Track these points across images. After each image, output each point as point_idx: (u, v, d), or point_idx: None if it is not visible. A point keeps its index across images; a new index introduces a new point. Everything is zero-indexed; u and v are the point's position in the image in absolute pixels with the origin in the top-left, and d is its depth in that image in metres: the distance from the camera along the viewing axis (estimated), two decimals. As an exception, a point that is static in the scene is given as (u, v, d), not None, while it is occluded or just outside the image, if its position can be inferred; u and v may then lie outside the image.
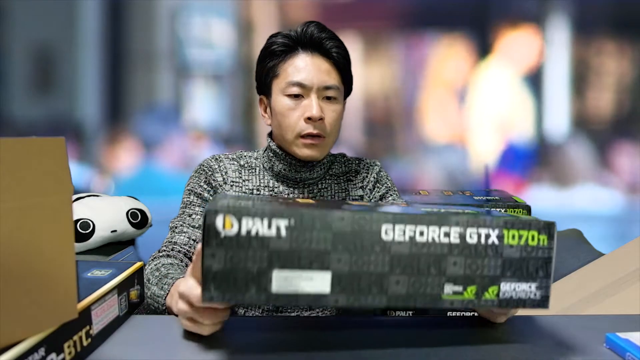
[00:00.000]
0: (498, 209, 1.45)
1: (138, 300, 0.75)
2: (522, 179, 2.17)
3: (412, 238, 0.56)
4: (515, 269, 0.59)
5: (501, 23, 2.11)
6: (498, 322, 0.71)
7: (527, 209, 1.46)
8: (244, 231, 0.53)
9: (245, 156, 1.07)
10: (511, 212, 1.45)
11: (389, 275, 0.56)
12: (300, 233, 0.53)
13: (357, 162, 1.11)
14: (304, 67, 0.96)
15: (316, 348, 0.63)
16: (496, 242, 0.58)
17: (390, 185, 1.11)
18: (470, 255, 0.58)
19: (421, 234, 0.56)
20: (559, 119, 2.17)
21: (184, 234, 0.98)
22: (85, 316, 0.59)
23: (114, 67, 2.07)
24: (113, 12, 2.05)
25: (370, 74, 2.14)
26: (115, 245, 1.58)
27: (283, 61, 0.98)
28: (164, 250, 0.96)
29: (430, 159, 2.17)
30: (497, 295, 0.59)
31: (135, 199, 1.68)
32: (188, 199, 1.02)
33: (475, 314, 0.74)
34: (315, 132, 0.96)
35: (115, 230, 1.53)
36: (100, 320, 0.62)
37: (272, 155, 1.04)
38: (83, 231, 1.46)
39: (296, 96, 0.96)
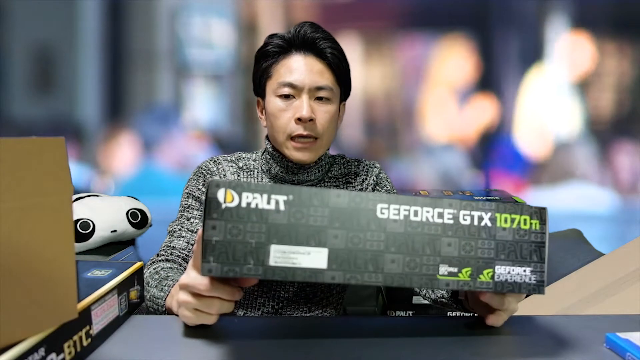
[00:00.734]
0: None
1: (138, 300, 0.75)
2: (522, 179, 2.17)
3: (406, 217, 0.58)
4: (509, 252, 0.60)
5: (501, 23, 2.11)
6: (496, 326, 0.68)
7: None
8: (244, 203, 0.55)
9: (243, 158, 1.07)
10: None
11: (385, 253, 0.57)
12: (298, 208, 0.56)
13: (356, 163, 1.10)
14: (296, 68, 0.95)
15: (316, 348, 0.63)
16: (489, 224, 0.60)
17: (390, 187, 1.11)
18: (464, 236, 0.59)
19: (415, 213, 0.58)
20: (559, 119, 2.17)
21: (182, 239, 0.98)
22: (85, 316, 0.59)
23: (114, 67, 2.07)
24: (113, 12, 2.05)
25: (370, 74, 2.14)
26: (115, 245, 1.58)
27: (276, 62, 0.97)
28: (163, 255, 0.95)
29: (430, 159, 2.17)
30: (492, 277, 0.60)
31: (135, 199, 1.68)
32: (186, 202, 1.01)
33: (475, 314, 0.74)
34: (305, 133, 0.94)
35: (115, 230, 1.53)
36: (100, 320, 0.62)
37: (269, 157, 1.03)
38: (83, 231, 1.46)
39: (287, 97, 0.95)
